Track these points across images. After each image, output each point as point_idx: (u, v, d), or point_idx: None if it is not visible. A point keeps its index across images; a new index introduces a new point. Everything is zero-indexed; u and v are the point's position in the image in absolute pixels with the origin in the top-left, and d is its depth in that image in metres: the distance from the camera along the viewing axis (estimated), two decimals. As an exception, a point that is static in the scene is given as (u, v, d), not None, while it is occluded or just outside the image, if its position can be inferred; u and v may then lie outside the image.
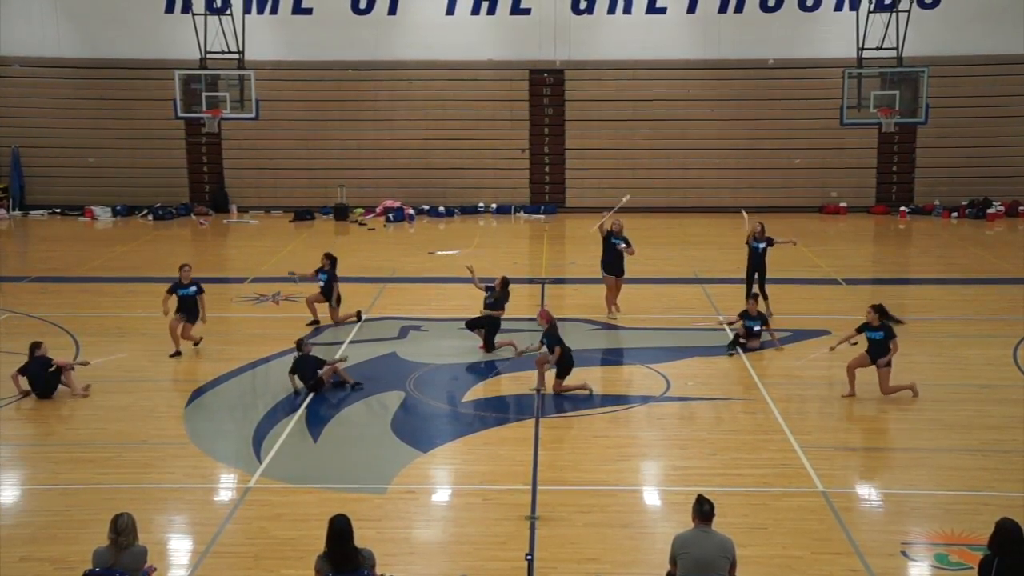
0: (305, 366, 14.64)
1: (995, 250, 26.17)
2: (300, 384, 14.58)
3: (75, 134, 32.56)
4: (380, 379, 15.17)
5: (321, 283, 18.47)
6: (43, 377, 14.37)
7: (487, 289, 17.18)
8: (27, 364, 14.50)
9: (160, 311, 16.70)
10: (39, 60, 32.21)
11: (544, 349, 14.51)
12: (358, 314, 18.66)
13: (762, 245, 18.71)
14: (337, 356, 15.56)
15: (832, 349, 14.97)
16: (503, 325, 16.99)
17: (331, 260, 18.63)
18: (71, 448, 12.71)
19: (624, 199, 20.56)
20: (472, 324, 17.00)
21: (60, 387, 14.45)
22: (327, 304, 18.45)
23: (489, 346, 16.69)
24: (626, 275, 19.02)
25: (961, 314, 19.35)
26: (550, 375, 14.51)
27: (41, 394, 14.34)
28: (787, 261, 23.63)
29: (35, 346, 14.60)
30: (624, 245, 18.74)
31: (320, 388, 14.51)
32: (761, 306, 17.70)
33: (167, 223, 30.98)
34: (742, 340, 16.75)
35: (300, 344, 15.00)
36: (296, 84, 32.27)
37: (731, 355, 16.46)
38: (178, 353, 16.33)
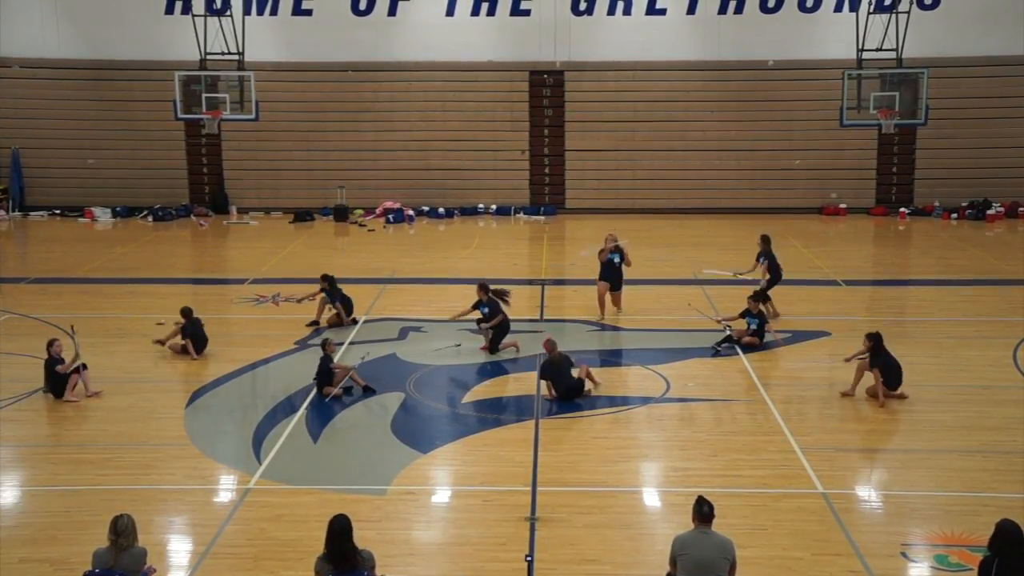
0: (323, 366, 14.64)
1: (995, 251, 26.17)
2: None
3: (75, 135, 32.56)
4: (380, 380, 15.16)
5: (333, 306, 18.37)
6: (53, 375, 14.37)
7: (476, 306, 16.95)
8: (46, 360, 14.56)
9: (161, 312, 16.77)
10: (39, 61, 32.21)
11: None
12: (352, 320, 18.51)
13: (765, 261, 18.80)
14: (351, 363, 15.39)
15: (847, 360, 14.91)
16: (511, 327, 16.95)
17: (327, 280, 18.49)
18: (71, 449, 12.71)
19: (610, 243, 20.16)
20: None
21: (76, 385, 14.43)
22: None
23: (493, 348, 16.66)
24: (623, 288, 18.96)
25: (961, 315, 19.35)
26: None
27: (53, 392, 14.36)
28: (787, 262, 23.63)
29: (48, 344, 14.57)
30: (619, 260, 18.70)
31: (323, 389, 14.50)
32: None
33: (167, 224, 30.98)
34: (736, 339, 16.77)
35: (324, 344, 14.93)
36: (296, 85, 32.27)
37: (717, 353, 16.46)
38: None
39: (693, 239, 27.65)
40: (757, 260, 19.04)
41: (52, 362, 14.38)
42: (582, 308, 19.62)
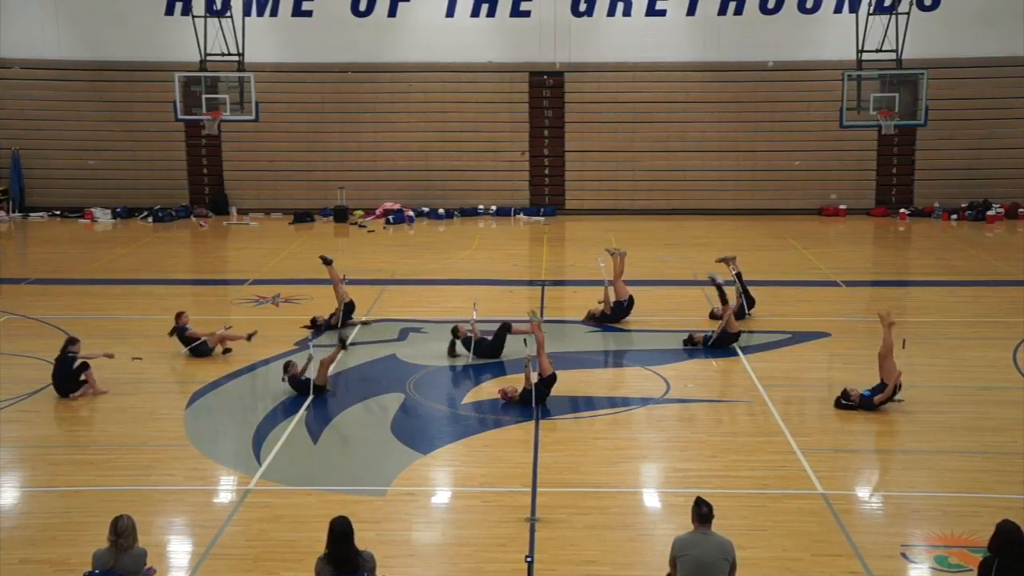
0: (298, 386, 14.66)
1: (994, 252, 26.15)
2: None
3: (75, 136, 32.55)
4: (380, 381, 15.17)
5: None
6: (65, 374, 14.37)
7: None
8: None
9: (164, 313, 16.78)
10: (39, 62, 32.19)
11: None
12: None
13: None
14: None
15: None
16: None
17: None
18: (71, 450, 12.71)
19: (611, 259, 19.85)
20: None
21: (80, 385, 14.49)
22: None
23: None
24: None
25: (961, 316, 19.35)
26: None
27: (60, 390, 14.37)
28: (787, 263, 23.66)
29: (69, 342, 14.60)
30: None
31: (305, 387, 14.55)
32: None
33: (167, 225, 30.97)
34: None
35: (286, 367, 14.81)
36: (296, 86, 32.26)
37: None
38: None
39: (692, 241, 27.64)
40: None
41: (67, 361, 14.38)
42: (582, 309, 19.61)
